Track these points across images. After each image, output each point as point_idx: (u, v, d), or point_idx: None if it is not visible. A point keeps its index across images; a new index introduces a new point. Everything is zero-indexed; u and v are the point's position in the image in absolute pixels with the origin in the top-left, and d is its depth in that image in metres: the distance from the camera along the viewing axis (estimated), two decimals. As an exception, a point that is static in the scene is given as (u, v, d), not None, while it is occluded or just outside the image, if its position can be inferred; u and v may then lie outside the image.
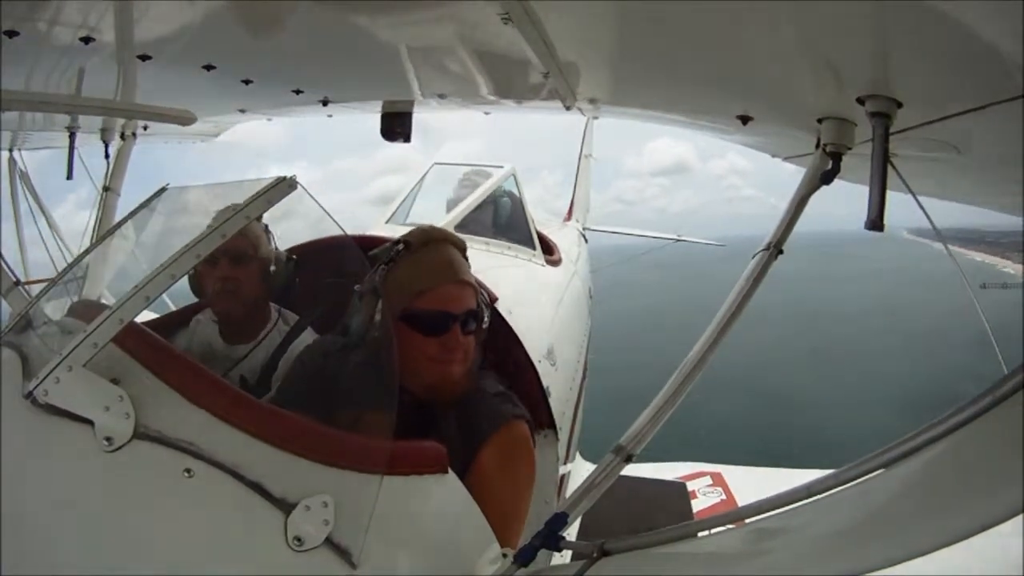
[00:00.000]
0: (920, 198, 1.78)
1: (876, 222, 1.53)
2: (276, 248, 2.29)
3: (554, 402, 2.45)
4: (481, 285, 1.84)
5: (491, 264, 3.15)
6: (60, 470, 1.18)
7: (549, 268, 4.06)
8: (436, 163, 4.49)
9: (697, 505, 5.66)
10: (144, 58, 2.10)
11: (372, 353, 1.68)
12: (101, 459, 1.15)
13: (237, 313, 2.23)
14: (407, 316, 1.66)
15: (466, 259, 1.81)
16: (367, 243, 2.60)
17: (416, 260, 1.72)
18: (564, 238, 5.71)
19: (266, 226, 2.26)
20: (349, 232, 1.96)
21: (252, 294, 2.22)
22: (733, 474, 6.17)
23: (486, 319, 1.81)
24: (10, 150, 4.69)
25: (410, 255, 1.73)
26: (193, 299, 2.37)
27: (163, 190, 1.86)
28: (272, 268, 2.25)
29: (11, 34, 1.73)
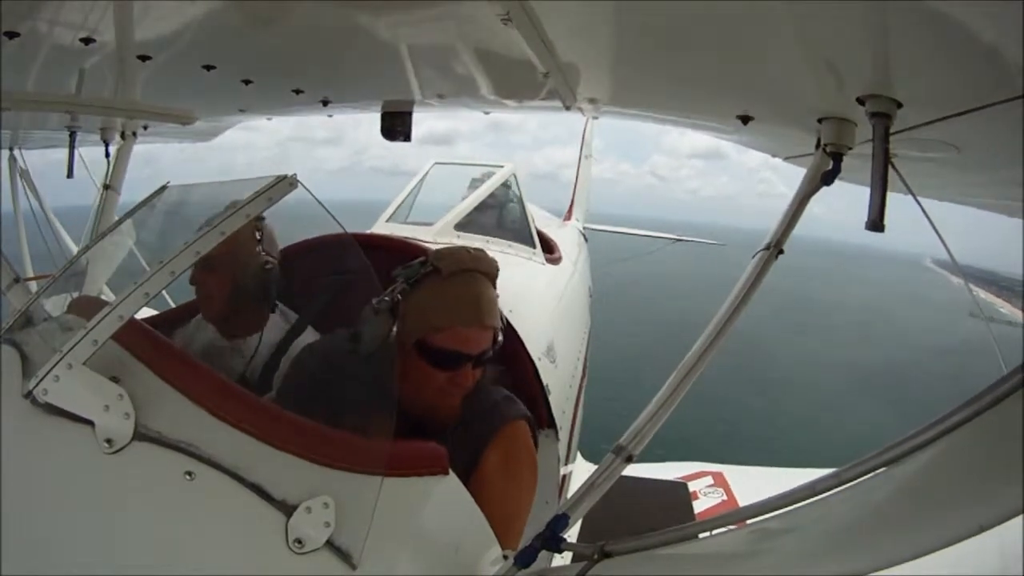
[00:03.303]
0: (921, 199, 1.79)
1: (876, 222, 1.54)
2: (259, 251, 2.18)
3: (554, 400, 2.45)
4: None
5: None
6: (60, 472, 1.17)
7: (549, 266, 4.07)
8: (436, 162, 4.50)
9: (699, 505, 5.67)
10: (144, 58, 2.10)
11: (378, 364, 1.66)
12: (101, 461, 1.15)
13: (214, 317, 2.21)
14: (420, 346, 1.61)
15: (495, 286, 1.74)
16: (369, 242, 2.61)
17: (442, 291, 1.63)
18: (564, 237, 5.73)
19: (257, 227, 2.16)
20: (350, 231, 1.95)
21: (225, 299, 2.16)
22: (734, 474, 6.18)
23: (500, 339, 1.75)
24: (11, 149, 4.71)
25: (438, 281, 1.64)
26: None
27: (164, 188, 1.86)
28: (247, 272, 2.15)
29: (11, 35, 1.73)
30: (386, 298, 1.62)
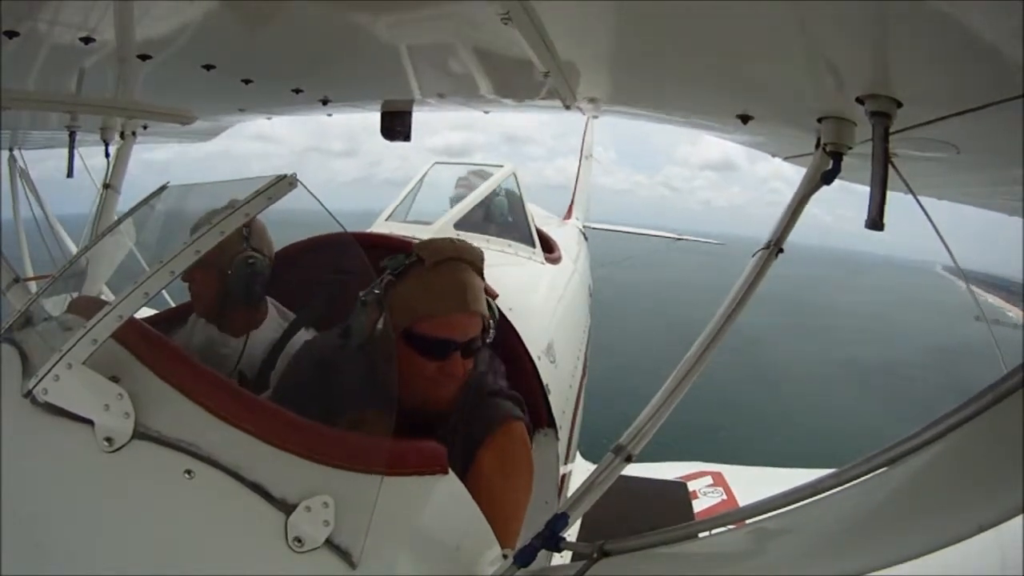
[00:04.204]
0: (920, 198, 1.79)
1: (876, 222, 1.53)
2: (245, 247, 2.18)
3: (554, 400, 2.45)
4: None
5: (491, 262, 3.14)
6: (60, 471, 1.17)
7: (549, 266, 4.06)
8: (437, 162, 4.50)
9: (698, 505, 5.68)
10: (144, 58, 2.10)
11: (372, 356, 1.67)
12: (101, 460, 1.15)
13: (206, 313, 2.22)
14: (407, 335, 1.62)
15: (481, 275, 1.75)
16: (368, 240, 2.61)
17: (427, 280, 1.65)
18: (564, 236, 5.72)
19: (245, 227, 2.18)
20: (350, 230, 1.94)
21: (213, 294, 2.18)
22: (734, 474, 6.18)
23: (491, 331, 1.77)
24: (11, 149, 4.71)
25: (422, 271, 1.67)
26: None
27: (163, 188, 1.86)
28: (232, 268, 2.15)
29: (11, 34, 1.73)
30: (375, 290, 1.64)
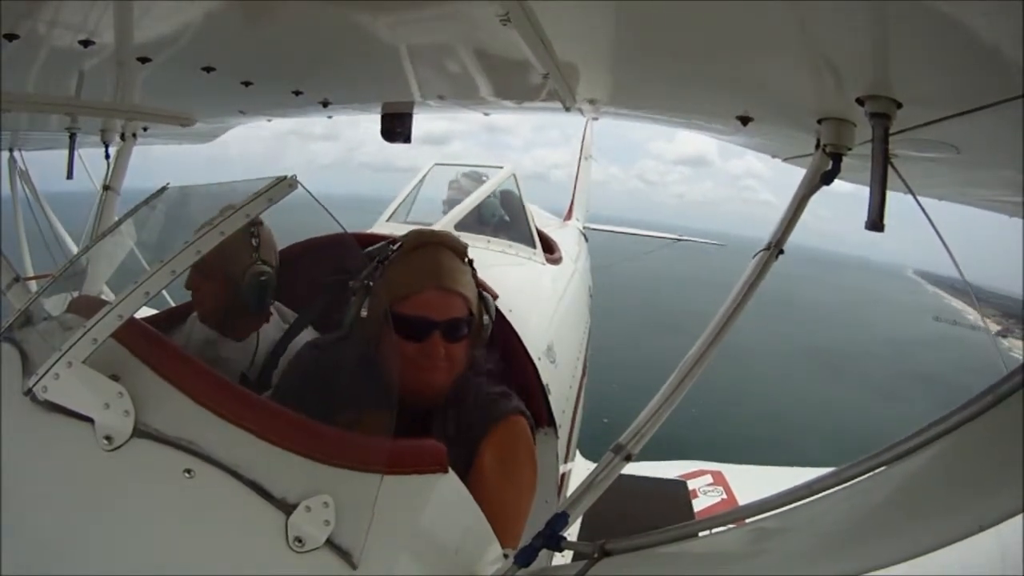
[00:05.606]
0: (920, 198, 1.79)
1: (876, 223, 1.54)
2: (255, 259, 2.18)
3: (554, 400, 2.45)
4: (481, 284, 1.83)
5: (491, 262, 3.15)
6: (60, 469, 1.17)
7: (549, 266, 4.06)
8: (437, 163, 4.50)
9: (698, 504, 5.68)
10: (144, 60, 2.10)
11: (369, 351, 1.67)
12: (101, 458, 1.15)
13: (210, 320, 2.23)
14: (389, 318, 1.64)
15: (468, 264, 1.78)
16: (368, 241, 2.61)
17: (405, 262, 1.71)
18: (564, 237, 5.72)
19: (253, 234, 2.16)
20: (350, 231, 1.95)
21: (220, 306, 2.18)
22: (733, 473, 6.18)
23: (487, 325, 1.79)
24: (11, 150, 4.71)
25: (401, 256, 1.72)
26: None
27: (164, 189, 1.86)
28: (242, 281, 2.15)
29: (11, 37, 1.73)
30: (363, 280, 1.69)
